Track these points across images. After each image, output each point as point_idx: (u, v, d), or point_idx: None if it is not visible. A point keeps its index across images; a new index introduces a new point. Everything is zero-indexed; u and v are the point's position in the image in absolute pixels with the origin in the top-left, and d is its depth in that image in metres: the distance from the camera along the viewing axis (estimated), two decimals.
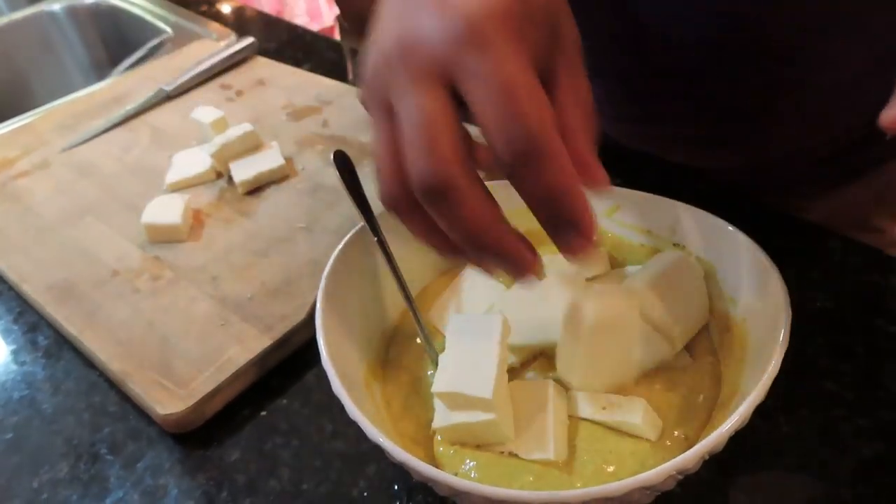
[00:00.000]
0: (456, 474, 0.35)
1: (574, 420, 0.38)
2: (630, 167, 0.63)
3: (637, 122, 0.65)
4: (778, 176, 0.64)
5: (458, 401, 0.36)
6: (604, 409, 0.37)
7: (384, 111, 0.31)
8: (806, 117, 0.58)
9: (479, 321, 0.39)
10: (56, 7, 1.03)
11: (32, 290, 0.55)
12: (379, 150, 0.32)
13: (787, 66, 0.53)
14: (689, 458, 0.31)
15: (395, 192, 0.31)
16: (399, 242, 0.45)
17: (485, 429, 0.36)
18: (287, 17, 2.18)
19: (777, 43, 0.51)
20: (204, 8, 1.02)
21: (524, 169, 0.29)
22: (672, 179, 0.61)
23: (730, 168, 0.64)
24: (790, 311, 0.35)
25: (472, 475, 0.35)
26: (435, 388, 0.37)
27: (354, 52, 0.89)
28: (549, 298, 0.41)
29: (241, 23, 0.99)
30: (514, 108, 0.28)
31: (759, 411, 0.33)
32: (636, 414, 0.36)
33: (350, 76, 0.84)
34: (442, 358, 0.38)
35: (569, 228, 0.30)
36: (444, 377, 0.37)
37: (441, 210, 0.30)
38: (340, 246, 0.43)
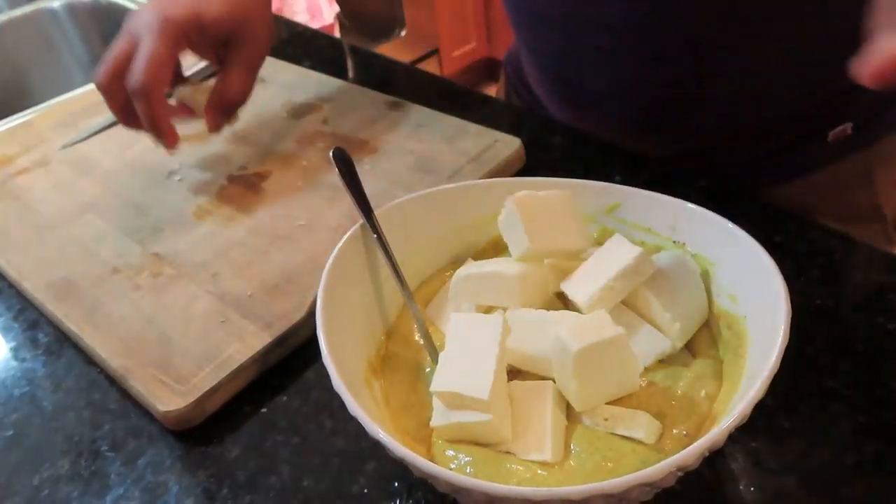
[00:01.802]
0: (451, 470, 0.35)
1: (574, 419, 0.38)
2: (631, 165, 0.63)
3: (570, 103, 0.70)
4: (724, 162, 0.67)
5: (455, 400, 0.36)
6: (606, 420, 0.37)
7: (130, 38, 0.57)
8: (735, 102, 0.63)
9: (479, 321, 0.39)
10: (56, 4, 1.03)
11: (32, 287, 0.55)
12: (114, 55, 0.57)
13: (712, 51, 0.59)
14: (689, 454, 0.31)
15: (113, 84, 0.57)
16: (398, 239, 0.45)
17: (481, 429, 0.36)
18: (287, 14, 2.18)
19: (701, 26, 0.58)
20: None
21: (134, 98, 0.56)
22: (673, 177, 0.61)
23: (672, 153, 0.67)
24: (790, 309, 0.35)
25: (468, 471, 0.35)
26: (433, 387, 0.37)
27: (354, 50, 0.89)
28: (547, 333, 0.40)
29: None
30: (139, 67, 0.55)
31: (759, 408, 0.33)
32: (639, 430, 0.36)
33: (350, 74, 0.84)
34: (442, 356, 0.38)
35: (157, 133, 0.58)
36: (443, 376, 0.37)
37: (138, 102, 0.56)
38: (340, 243, 0.43)
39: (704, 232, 0.43)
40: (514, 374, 0.41)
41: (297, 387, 0.48)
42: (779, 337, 0.34)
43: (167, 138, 0.58)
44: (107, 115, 0.74)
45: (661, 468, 0.30)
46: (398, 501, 0.41)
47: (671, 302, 0.40)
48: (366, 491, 0.41)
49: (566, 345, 0.36)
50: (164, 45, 0.55)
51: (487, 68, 2.80)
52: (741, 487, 0.40)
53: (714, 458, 0.34)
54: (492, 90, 0.88)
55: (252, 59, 0.61)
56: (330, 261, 0.42)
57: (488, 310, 0.44)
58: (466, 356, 0.37)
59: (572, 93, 0.69)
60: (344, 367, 0.37)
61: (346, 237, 0.44)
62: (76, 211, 0.62)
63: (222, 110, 0.61)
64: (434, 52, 2.68)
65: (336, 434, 0.45)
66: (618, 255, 0.40)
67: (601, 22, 0.61)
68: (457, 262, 0.48)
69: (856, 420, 0.42)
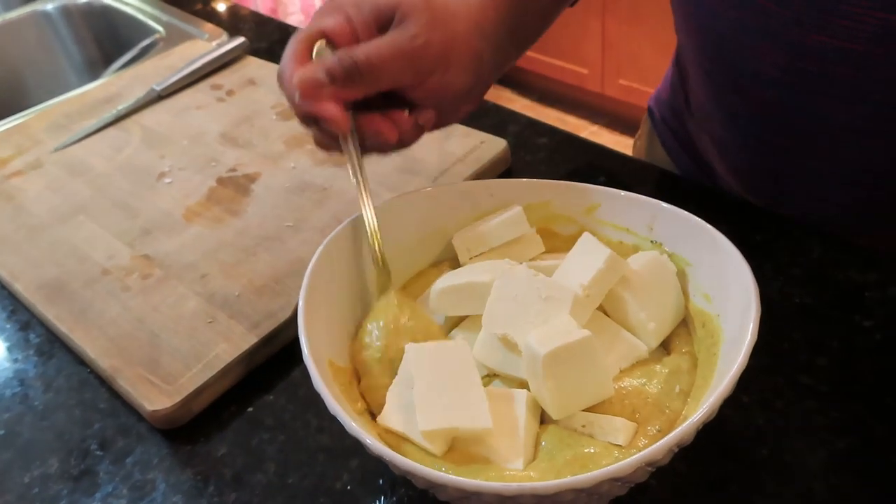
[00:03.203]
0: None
1: (549, 420, 0.39)
2: (615, 167, 0.63)
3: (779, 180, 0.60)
4: None
5: (450, 433, 0.37)
6: (583, 427, 0.38)
7: None
8: None
9: (443, 349, 0.39)
10: (49, 7, 1.03)
11: (24, 288, 0.56)
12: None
13: None
14: (658, 449, 0.32)
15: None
16: (383, 239, 0.46)
17: (473, 433, 0.37)
18: (281, 15, 2.19)
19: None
20: (198, 7, 1.02)
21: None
22: (653, 178, 0.61)
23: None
24: (759, 307, 0.36)
25: (442, 467, 0.36)
26: (423, 427, 0.36)
27: None
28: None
29: (233, 22, 0.99)
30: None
31: (735, 404, 0.34)
32: (618, 436, 0.37)
33: None
34: (415, 393, 0.37)
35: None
36: (429, 413, 0.36)
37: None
38: (324, 244, 0.44)
39: (681, 232, 0.44)
40: (489, 376, 0.41)
41: (284, 386, 0.49)
42: (747, 335, 0.35)
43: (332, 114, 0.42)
44: (99, 118, 0.74)
45: (630, 463, 0.31)
46: (382, 498, 0.42)
47: (647, 301, 0.41)
48: (349, 487, 0.42)
49: (534, 350, 0.36)
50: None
51: None
52: (716, 482, 0.40)
53: (688, 453, 0.35)
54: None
55: None
56: (313, 261, 0.43)
57: (460, 319, 0.45)
58: (445, 387, 0.37)
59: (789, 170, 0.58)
60: (325, 366, 0.38)
61: (329, 238, 0.45)
62: (68, 212, 0.63)
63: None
64: None
65: (321, 432, 0.45)
66: (589, 259, 0.41)
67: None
68: (440, 263, 0.49)
69: (830, 416, 0.43)
